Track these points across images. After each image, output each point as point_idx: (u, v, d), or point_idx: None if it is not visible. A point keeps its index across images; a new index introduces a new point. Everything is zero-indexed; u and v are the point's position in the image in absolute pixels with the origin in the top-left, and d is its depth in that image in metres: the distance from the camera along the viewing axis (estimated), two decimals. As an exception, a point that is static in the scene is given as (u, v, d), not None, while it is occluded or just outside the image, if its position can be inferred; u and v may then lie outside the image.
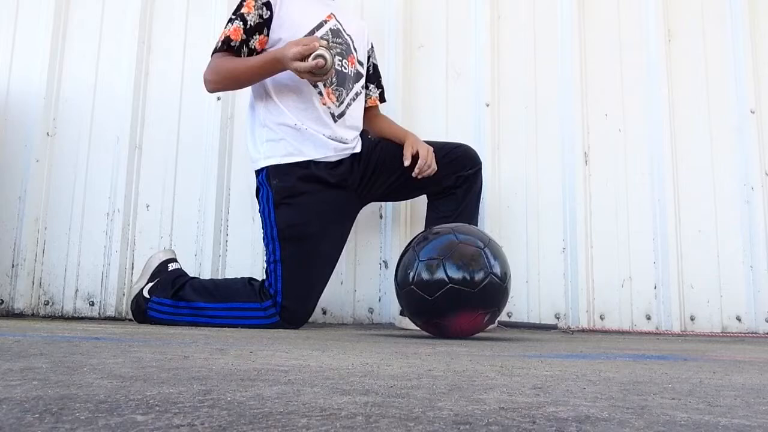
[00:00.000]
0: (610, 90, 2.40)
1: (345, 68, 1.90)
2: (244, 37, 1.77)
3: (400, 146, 1.92)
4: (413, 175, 1.86)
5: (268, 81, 1.82)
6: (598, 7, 2.45)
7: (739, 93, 2.43)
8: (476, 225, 1.95)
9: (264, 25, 1.80)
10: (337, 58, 1.87)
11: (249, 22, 1.77)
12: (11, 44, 2.28)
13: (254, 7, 1.79)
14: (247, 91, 1.93)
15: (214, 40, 2.26)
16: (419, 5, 2.40)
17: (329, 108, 1.85)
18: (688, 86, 2.43)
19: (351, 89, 1.92)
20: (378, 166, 1.92)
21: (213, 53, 1.81)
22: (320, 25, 1.88)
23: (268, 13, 1.80)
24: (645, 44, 2.44)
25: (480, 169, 1.97)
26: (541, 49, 2.41)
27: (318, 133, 1.82)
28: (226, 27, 1.80)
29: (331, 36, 1.89)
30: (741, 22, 2.46)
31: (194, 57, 2.30)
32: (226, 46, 1.77)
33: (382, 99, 2.09)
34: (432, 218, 1.95)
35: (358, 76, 1.95)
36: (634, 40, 2.45)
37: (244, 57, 1.79)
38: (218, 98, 2.25)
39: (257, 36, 1.79)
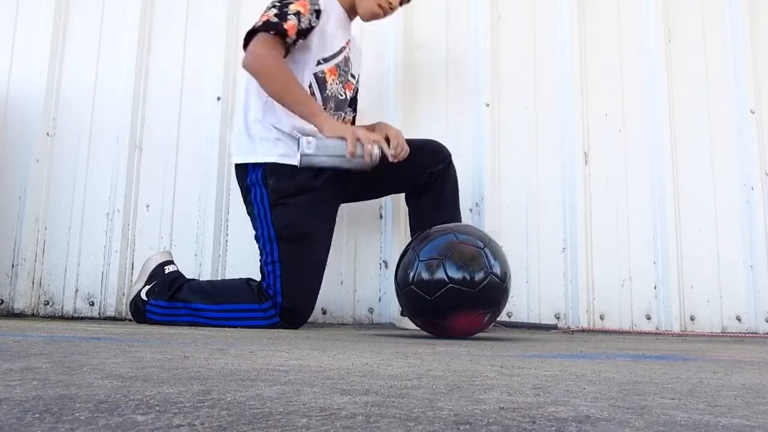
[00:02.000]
0: (610, 90, 2.40)
1: (342, 95, 1.91)
2: (295, 38, 1.73)
3: None
4: (389, 159, 1.81)
5: None
6: (598, 7, 2.45)
7: (739, 93, 2.43)
8: (460, 218, 1.95)
9: (308, 32, 1.77)
10: (339, 86, 1.89)
11: (302, 24, 1.74)
12: (11, 44, 2.28)
13: (309, 11, 1.75)
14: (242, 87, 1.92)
15: (215, 39, 2.29)
16: (419, 5, 2.40)
17: None
18: (688, 86, 2.43)
19: (345, 113, 1.95)
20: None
21: (261, 32, 1.72)
22: (339, 52, 1.88)
23: (317, 22, 1.79)
24: (645, 44, 2.44)
25: (451, 161, 1.96)
26: (541, 49, 2.41)
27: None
28: (276, 11, 1.71)
29: (342, 64, 1.90)
30: (741, 22, 2.46)
31: (194, 57, 2.31)
32: (277, 34, 1.71)
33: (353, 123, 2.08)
34: (414, 218, 1.97)
35: (353, 101, 2.00)
36: (634, 40, 2.45)
37: (297, 81, 1.77)
38: (218, 98, 2.25)
39: (300, 39, 1.76)
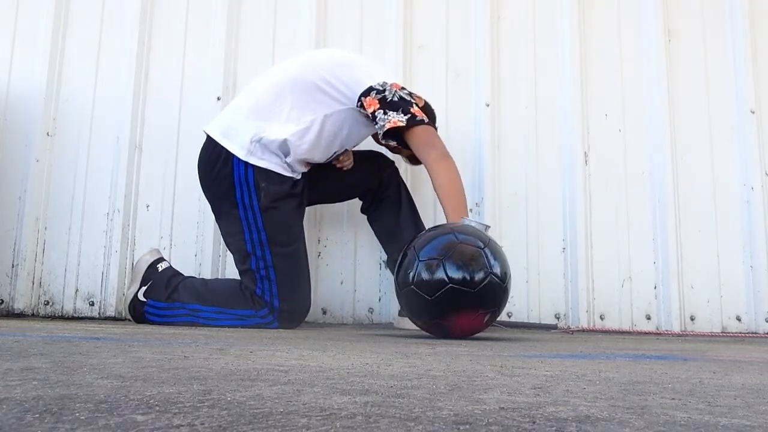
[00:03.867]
0: (610, 90, 2.40)
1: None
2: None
3: None
4: (337, 165, 1.95)
5: (329, 133, 1.79)
6: (598, 7, 2.45)
7: (739, 93, 2.43)
8: (422, 224, 1.99)
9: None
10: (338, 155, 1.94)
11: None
12: (11, 44, 2.28)
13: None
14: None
15: (215, 40, 2.29)
16: (419, 5, 2.40)
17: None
18: (688, 86, 2.43)
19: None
20: (312, 174, 1.92)
21: (425, 125, 1.75)
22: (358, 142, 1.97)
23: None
24: (645, 44, 2.44)
25: (396, 167, 2.04)
26: (541, 49, 2.41)
27: (302, 166, 1.86)
28: (403, 108, 1.73)
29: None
30: (741, 22, 2.46)
31: (194, 57, 2.31)
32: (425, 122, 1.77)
33: None
34: (379, 231, 2.03)
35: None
36: (634, 40, 2.44)
37: (344, 114, 1.79)
38: (218, 98, 2.25)
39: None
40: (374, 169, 2.02)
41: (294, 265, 1.80)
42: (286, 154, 1.79)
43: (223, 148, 1.79)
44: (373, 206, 2.03)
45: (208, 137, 1.84)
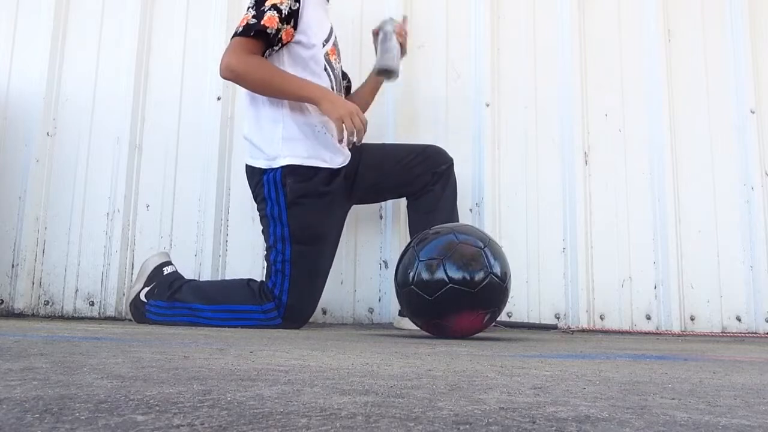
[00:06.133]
0: (610, 90, 2.40)
1: (340, 71, 1.95)
2: (280, 26, 1.72)
3: (381, 151, 1.96)
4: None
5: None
6: (598, 7, 2.45)
7: (739, 93, 2.43)
8: (457, 219, 1.97)
9: (292, 16, 1.75)
10: (339, 63, 1.93)
11: (283, 12, 1.72)
12: (11, 44, 2.28)
13: None
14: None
15: (215, 40, 2.29)
16: (419, 5, 2.40)
17: None
18: (688, 86, 2.43)
19: (342, 88, 1.98)
20: (360, 170, 1.92)
21: (238, 36, 1.72)
22: (331, 30, 1.90)
23: (297, 5, 1.75)
24: (645, 44, 2.43)
25: (452, 165, 1.99)
26: (541, 49, 2.41)
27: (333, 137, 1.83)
28: (254, 13, 1.71)
29: (336, 42, 1.93)
30: (741, 22, 2.46)
31: (194, 57, 2.31)
32: (259, 35, 1.71)
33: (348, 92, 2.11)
34: (414, 218, 1.98)
35: (345, 74, 2.03)
36: (634, 40, 2.44)
37: (276, 59, 1.77)
38: (218, 98, 2.25)
39: (285, 26, 1.74)
40: (431, 165, 1.96)
41: (312, 265, 1.78)
42: (318, 125, 1.79)
43: (254, 167, 1.83)
44: (417, 195, 1.98)
45: (247, 166, 1.87)
